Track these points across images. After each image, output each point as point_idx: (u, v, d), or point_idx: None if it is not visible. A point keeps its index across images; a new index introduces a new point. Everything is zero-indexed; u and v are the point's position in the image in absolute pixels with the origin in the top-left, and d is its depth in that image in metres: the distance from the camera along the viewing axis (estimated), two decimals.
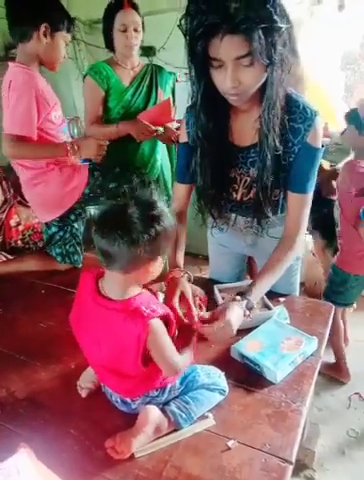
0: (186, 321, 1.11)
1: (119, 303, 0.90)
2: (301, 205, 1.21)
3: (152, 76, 2.15)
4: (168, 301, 1.16)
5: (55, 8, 1.59)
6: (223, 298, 1.41)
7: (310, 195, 1.20)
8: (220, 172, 1.22)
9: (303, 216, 1.22)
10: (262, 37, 0.87)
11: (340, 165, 2.32)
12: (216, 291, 1.45)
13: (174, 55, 2.83)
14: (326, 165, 2.38)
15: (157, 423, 0.97)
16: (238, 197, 1.28)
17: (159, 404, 1.02)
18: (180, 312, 1.14)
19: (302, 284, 2.76)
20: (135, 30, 1.95)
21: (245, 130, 1.16)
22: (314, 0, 2.96)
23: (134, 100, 2.09)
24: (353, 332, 2.39)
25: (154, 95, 2.13)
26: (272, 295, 1.43)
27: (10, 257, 1.93)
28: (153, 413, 0.97)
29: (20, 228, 2.02)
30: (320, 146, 1.14)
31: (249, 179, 1.23)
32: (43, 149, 1.63)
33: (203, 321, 1.10)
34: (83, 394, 1.11)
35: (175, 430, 0.99)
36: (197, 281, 1.59)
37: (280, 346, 1.19)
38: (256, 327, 1.27)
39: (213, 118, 1.12)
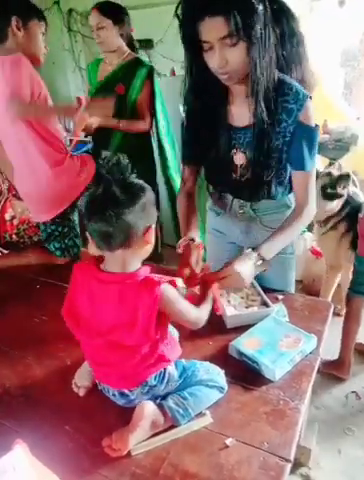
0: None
1: (128, 275, 0.93)
2: (303, 182, 1.26)
3: (125, 71, 2.27)
4: (184, 261, 1.25)
5: None
6: (221, 295, 1.39)
7: (311, 172, 1.25)
8: (218, 152, 1.27)
9: (308, 192, 1.27)
10: (239, 17, 0.95)
11: (340, 161, 2.32)
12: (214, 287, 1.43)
13: (171, 48, 2.83)
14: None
15: (153, 417, 0.96)
16: (237, 176, 1.32)
17: (157, 396, 1.01)
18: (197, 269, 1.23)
19: (300, 281, 2.76)
20: (99, 29, 2.17)
21: (242, 112, 1.20)
22: None
23: (99, 94, 2.25)
24: None
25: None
26: (270, 292, 1.42)
27: (5, 251, 1.91)
28: (148, 407, 0.96)
29: (15, 222, 2.00)
30: (313, 124, 1.19)
31: (246, 159, 1.27)
32: (53, 108, 1.73)
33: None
34: (81, 393, 1.10)
35: (172, 427, 0.99)
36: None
37: (279, 344, 1.18)
38: (254, 324, 1.27)
39: (210, 101, 1.20)
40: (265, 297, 1.37)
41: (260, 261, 1.20)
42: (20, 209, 2.00)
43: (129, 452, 0.93)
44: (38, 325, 1.40)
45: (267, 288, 1.45)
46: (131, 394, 1.00)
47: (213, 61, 1.05)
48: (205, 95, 1.19)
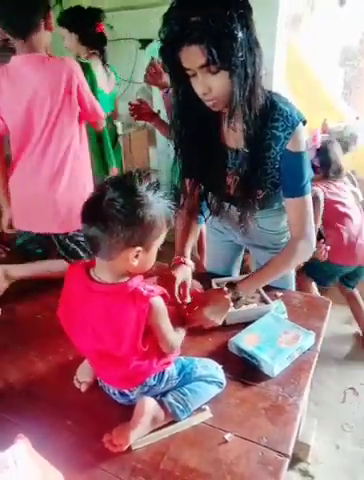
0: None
1: (116, 286, 0.91)
2: (297, 208, 1.22)
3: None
4: (170, 284, 1.20)
5: None
6: None
7: (305, 198, 1.20)
8: (212, 171, 1.25)
9: (302, 220, 1.23)
10: (216, 46, 0.92)
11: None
12: (214, 285, 1.45)
13: None
14: None
15: (154, 414, 0.97)
16: (231, 192, 1.30)
17: (157, 394, 1.02)
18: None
19: None
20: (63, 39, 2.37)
21: (234, 133, 1.16)
22: None
23: None
24: (350, 327, 2.41)
25: None
26: (270, 289, 1.43)
27: (7, 249, 1.92)
28: (149, 404, 0.97)
29: None
30: (302, 149, 1.16)
31: (239, 178, 1.24)
32: None
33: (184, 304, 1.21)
34: (82, 389, 1.11)
35: (172, 422, 1.00)
36: (194, 275, 1.59)
37: (278, 340, 1.19)
38: (254, 321, 1.28)
39: (200, 123, 1.15)
40: (264, 294, 1.38)
41: (235, 302, 1.22)
42: None
43: (129, 447, 0.94)
44: (41, 321, 1.41)
45: (269, 286, 1.46)
46: (131, 394, 1.01)
47: (197, 87, 1.04)
48: (195, 116, 1.14)
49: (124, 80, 3.65)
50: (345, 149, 2.83)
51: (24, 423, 1.01)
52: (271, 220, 1.41)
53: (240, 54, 0.95)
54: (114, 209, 0.82)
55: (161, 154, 3.38)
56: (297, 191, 1.19)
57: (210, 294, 1.28)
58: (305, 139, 1.17)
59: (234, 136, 1.18)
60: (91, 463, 0.93)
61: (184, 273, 1.27)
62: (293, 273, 1.58)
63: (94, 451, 0.95)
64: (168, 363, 1.02)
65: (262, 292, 1.40)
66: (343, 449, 1.72)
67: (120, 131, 3.58)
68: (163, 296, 0.93)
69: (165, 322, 0.96)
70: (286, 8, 2.44)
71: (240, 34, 0.93)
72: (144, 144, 3.75)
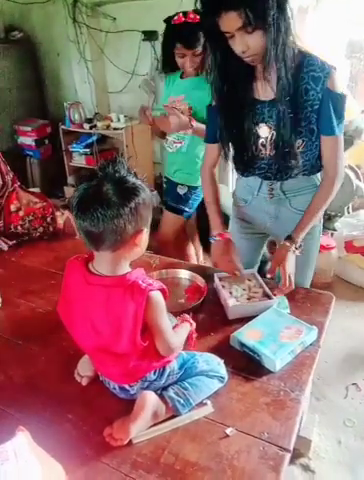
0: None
1: (115, 278, 0.90)
2: (332, 147, 1.30)
3: None
4: (227, 258, 1.40)
5: None
6: (223, 287, 1.40)
7: (340, 138, 1.29)
8: (243, 127, 1.32)
9: (337, 158, 1.31)
10: (250, 9, 1.04)
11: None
12: (216, 279, 1.44)
13: None
14: None
15: (154, 408, 0.97)
16: (265, 152, 1.35)
17: (158, 389, 1.02)
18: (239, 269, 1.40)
19: None
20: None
21: (267, 87, 1.26)
22: None
23: None
24: (353, 322, 2.39)
25: None
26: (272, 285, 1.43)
27: (10, 242, 1.91)
28: (150, 398, 0.97)
29: (20, 213, 1.99)
30: (342, 91, 1.23)
31: (272, 132, 1.30)
32: None
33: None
34: (83, 382, 1.10)
35: (173, 416, 0.99)
36: (197, 269, 1.59)
37: (280, 335, 1.18)
38: (256, 316, 1.27)
39: (236, 78, 1.26)
40: (267, 289, 1.38)
41: (298, 250, 1.35)
42: (25, 201, 1.99)
43: (130, 441, 0.94)
44: (42, 315, 1.41)
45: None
46: (131, 389, 1.01)
47: (236, 47, 1.15)
48: (231, 74, 1.26)
49: (127, 72, 3.64)
50: (350, 143, 2.80)
51: (25, 416, 1.02)
52: (303, 198, 1.41)
53: (272, 13, 1.06)
54: (119, 197, 0.83)
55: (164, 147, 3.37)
56: (334, 129, 1.26)
57: (277, 254, 1.37)
58: (342, 84, 1.26)
59: (267, 89, 1.26)
60: (91, 456, 0.93)
61: (233, 248, 1.43)
62: (311, 273, 1.58)
63: (95, 445, 0.95)
64: (168, 361, 1.02)
65: (265, 287, 1.39)
66: (345, 444, 1.72)
67: (122, 124, 3.58)
68: (162, 292, 0.93)
69: (163, 319, 0.94)
70: (291, 11, 2.40)
71: None
72: (147, 137, 3.73)
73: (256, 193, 1.48)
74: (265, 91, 1.27)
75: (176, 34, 1.84)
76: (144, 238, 0.92)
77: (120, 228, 0.84)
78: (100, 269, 0.92)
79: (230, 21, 1.08)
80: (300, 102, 1.22)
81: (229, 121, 1.34)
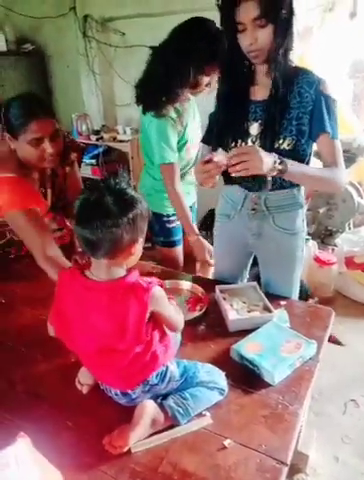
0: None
1: (114, 282, 0.95)
2: (330, 148, 1.32)
3: None
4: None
5: None
6: (225, 299, 1.42)
7: (336, 141, 1.32)
8: (234, 124, 1.38)
9: (335, 155, 1.32)
10: (268, 1, 1.14)
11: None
12: (217, 291, 1.46)
13: None
14: None
15: (154, 416, 0.98)
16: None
17: (159, 395, 1.03)
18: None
19: None
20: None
21: (262, 89, 1.34)
22: (326, 7, 2.96)
23: None
24: (351, 338, 2.39)
25: None
26: (272, 298, 1.44)
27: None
28: (149, 406, 0.98)
29: None
30: (334, 97, 1.30)
31: (260, 128, 1.35)
32: None
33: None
34: (84, 390, 1.12)
35: (172, 426, 1.00)
36: (199, 280, 1.61)
37: (279, 349, 1.19)
38: (256, 329, 1.28)
39: (237, 81, 1.35)
40: (267, 302, 1.39)
41: (279, 164, 1.20)
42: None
43: (129, 449, 0.95)
44: (44, 322, 1.42)
45: (270, 294, 1.47)
46: (133, 393, 1.02)
47: (245, 40, 1.22)
48: (233, 77, 1.36)
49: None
50: (353, 161, 2.84)
51: (26, 423, 1.02)
52: (287, 216, 1.44)
53: (285, 11, 1.18)
54: (118, 209, 0.88)
55: None
56: (326, 124, 1.29)
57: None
58: (333, 91, 1.30)
59: (262, 90, 1.34)
60: (91, 464, 0.93)
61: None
62: (299, 277, 1.58)
63: (94, 453, 0.96)
64: (162, 363, 1.03)
65: (265, 300, 1.40)
66: (342, 461, 1.71)
67: (128, 136, 3.62)
68: (161, 286, 0.99)
69: (167, 307, 1.01)
70: (297, 20, 2.46)
71: None
72: None
73: (239, 208, 1.49)
74: (259, 92, 1.35)
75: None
76: (139, 248, 0.98)
77: (117, 237, 0.89)
78: (98, 275, 0.96)
79: (248, 9, 1.16)
80: (293, 102, 1.29)
81: (224, 119, 1.41)
